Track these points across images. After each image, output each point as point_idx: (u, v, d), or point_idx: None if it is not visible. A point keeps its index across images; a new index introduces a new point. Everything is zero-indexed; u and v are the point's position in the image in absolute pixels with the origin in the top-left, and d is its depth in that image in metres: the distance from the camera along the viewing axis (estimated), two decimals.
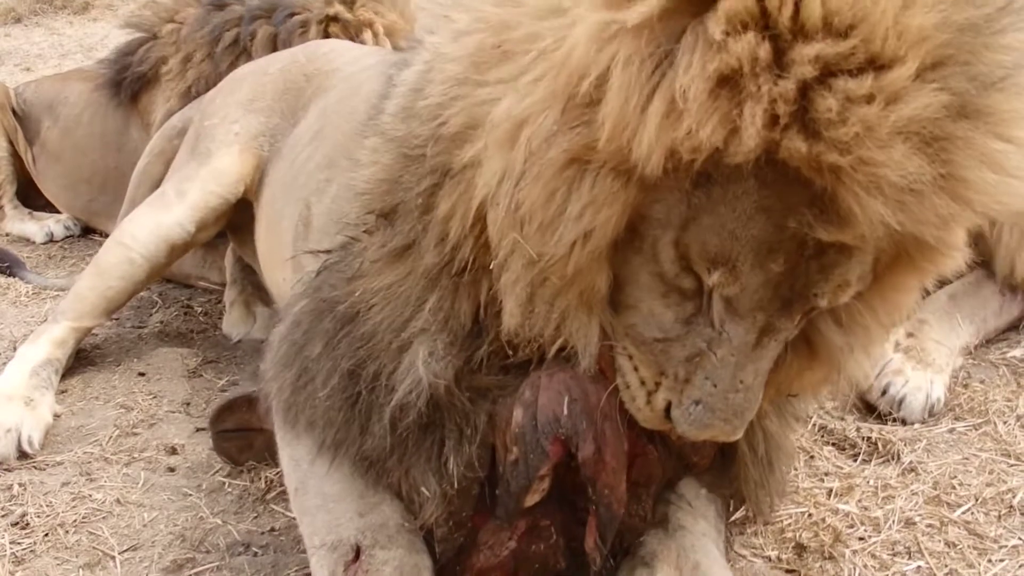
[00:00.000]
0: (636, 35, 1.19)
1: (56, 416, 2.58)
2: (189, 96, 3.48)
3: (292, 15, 3.41)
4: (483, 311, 1.54)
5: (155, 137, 3.31)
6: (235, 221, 2.95)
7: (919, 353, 2.56)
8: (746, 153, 1.16)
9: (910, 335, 2.63)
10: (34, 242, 4.21)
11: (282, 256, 2.49)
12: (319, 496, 1.69)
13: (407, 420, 1.54)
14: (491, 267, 1.46)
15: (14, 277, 3.71)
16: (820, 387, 1.65)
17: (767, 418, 1.72)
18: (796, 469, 2.19)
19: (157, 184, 3.07)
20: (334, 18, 3.37)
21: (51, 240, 4.21)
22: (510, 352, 1.54)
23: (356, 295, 1.61)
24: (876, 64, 1.13)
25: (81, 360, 2.97)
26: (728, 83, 1.15)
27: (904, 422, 2.43)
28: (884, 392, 2.47)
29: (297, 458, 1.76)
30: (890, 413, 2.45)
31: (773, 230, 1.25)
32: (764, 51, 1.13)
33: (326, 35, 3.35)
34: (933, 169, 1.15)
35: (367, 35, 3.35)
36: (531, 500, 1.54)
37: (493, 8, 1.41)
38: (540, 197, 1.30)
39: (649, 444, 1.63)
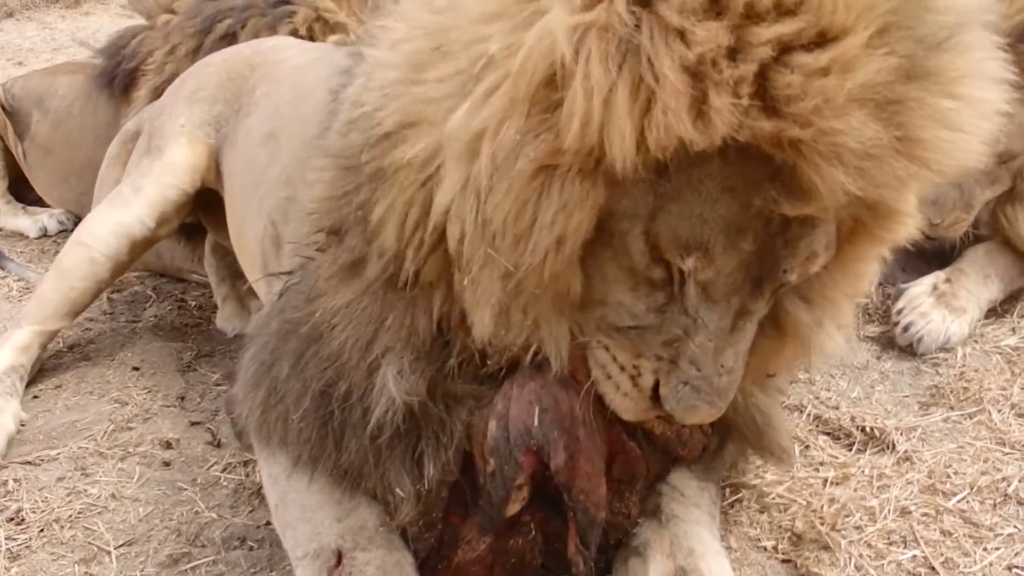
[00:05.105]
0: (602, 32, 1.20)
1: (22, 424, 2.51)
2: (159, 94, 3.42)
3: (284, 2, 3.39)
4: (442, 324, 1.53)
5: (113, 142, 3.28)
6: (206, 207, 2.93)
7: (951, 299, 2.80)
8: (717, 139, 1.17)
9: (948, 280, 2.85)
10: (28, 237, 4.19)
11: (252, 265, 2.52)
12: (298, 508, 1.69)
13: (384, 436, 1.55)
14: (451, 282, 1.45)
15: None
16: (794, 364, 1.68)
17: (753, 396, 1.74)
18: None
19: None
20: (321, 14, 3.34)
21: (45, 235, 4.19)
22: (483, 362, 1.55)
23: (317, 315, 1.62)
24: (828, 37, 1.15)
25: (75, 355, 2.96)
26: (692, 71, 1.16)
27: (915, 355, 2.72)
28: (906, 329, 2.75)
29: (275, 475, 1.77)
30: (909, 345, 2.74)
31: (739, 209, 1.26)
32: (724, 37, 1.15)
33: (311, 31, 3.32)
34: (889, 133, 1.17)
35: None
36: (512, 509, 1.56)
37: (431, 15, 1.43)
38: (512, 210, 1.30)
39: (631, 441, 1.63)
